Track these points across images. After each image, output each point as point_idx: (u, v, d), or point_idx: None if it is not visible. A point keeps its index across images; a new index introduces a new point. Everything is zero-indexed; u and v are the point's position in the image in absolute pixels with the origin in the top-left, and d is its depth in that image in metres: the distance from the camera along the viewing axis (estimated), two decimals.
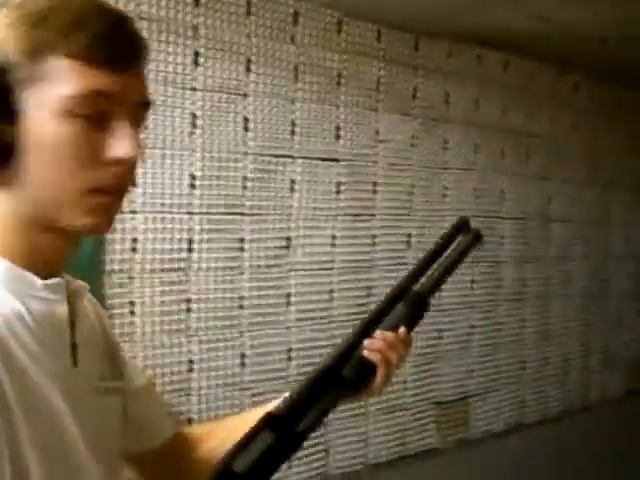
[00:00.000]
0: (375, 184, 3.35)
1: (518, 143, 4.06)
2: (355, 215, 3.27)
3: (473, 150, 3.81)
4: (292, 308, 3.07)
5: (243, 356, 2.92)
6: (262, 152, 2.95)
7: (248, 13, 2.89)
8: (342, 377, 1.03)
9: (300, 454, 3.07)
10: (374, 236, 3.36)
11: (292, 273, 3.05)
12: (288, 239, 3.04)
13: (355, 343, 1.05)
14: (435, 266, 1.15)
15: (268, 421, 0.98)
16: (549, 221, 4.28)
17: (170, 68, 2.70)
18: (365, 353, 1.03)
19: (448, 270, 1.16)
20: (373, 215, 3.35)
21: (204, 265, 2.79)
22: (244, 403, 2.92)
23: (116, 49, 0.82)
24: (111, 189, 0.84)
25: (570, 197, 4.42)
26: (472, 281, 3.81)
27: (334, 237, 3.20)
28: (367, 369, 1.04)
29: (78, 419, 0.86)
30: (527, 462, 3.89)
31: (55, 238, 0.86)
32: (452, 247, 1.17)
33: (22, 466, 0.78)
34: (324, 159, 3.16)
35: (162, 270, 2.68)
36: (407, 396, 3.53)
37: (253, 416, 1.01)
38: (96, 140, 0.82)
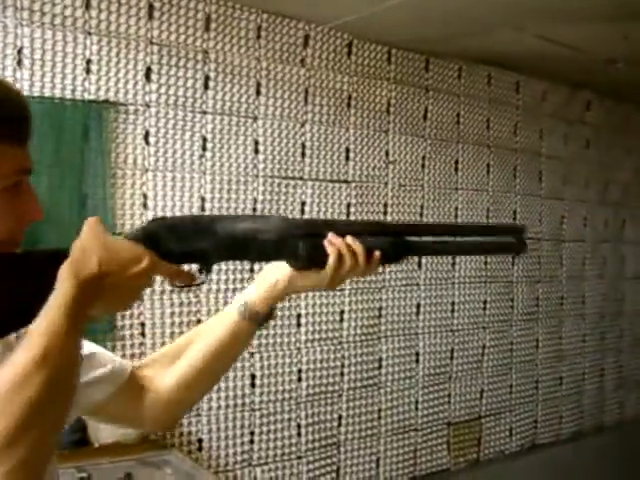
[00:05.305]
0: (386, 205, 3.36)
1: (530, 163, 4.06)
2: None
3: (485, 170, 3.82)
4: (302, 329, 3.08)
5: (253, 377, 2.94)
6: (272, 174, 2.97)
7: (258, 37, 2.92)
8: (298, 248, 1.09)
9: (311, 474, 3.07)
10: None
11: (302, 294, 3.05)
12: None
13: (326, 228, 1.11)
14: (460, 239, 1.19)
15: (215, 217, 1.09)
16: (562, 241, 4.27)
17: (181, 92, 2.73)
18: (326, 242, 1.09)
19: (461, 249, 1.22)
20: None
21: (214, 287, 2.80)
22: (254, 423, 2.93)
23: (28, 127, 0.94)
24: (20, 242, 0.97)
25: (583, 216, 4.41)
26: (485, 301, 3.80)
27: None
28: (320, 256, 1.09)
29: None
30: None
31: None
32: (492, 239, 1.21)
33: None
34: (334, 181, 3.18)
35: (172, 291, 2.70)
36: (419, 417, 3.52)
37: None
38: (18, 207, 0.94)
